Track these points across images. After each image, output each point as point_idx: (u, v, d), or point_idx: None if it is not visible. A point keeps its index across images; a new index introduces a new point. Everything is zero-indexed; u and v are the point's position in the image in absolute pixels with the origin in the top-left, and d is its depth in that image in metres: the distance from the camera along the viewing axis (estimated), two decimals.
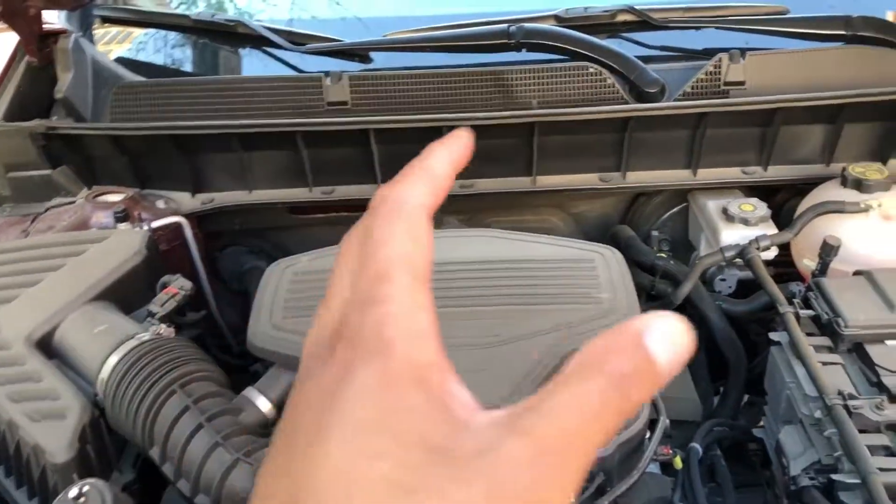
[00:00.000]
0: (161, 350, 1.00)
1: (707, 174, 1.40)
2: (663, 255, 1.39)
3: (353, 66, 1.48)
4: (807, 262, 1.29)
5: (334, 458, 0.28)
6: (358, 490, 0.28)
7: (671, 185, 1.39)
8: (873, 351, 1.07)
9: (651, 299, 1.40)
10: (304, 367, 0.34)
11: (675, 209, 1.50)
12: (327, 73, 1.34)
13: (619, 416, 0.29)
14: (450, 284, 1.03)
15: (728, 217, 1.31)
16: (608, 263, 1.08)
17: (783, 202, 1.50)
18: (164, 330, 1.06)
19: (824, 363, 1.08)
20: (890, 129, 1.37)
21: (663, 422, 1.04)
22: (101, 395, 0.97)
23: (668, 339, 0.30)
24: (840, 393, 0.99)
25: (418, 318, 0.32)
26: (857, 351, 1.09)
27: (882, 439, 0.95)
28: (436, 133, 1.31)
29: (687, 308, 1.34)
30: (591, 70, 1.31)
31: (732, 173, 1.39)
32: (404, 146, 1.35)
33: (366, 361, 0.30)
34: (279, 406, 1.00)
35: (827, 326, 1.11)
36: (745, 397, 1.31)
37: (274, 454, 0.32)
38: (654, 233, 1.48)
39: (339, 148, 1.37)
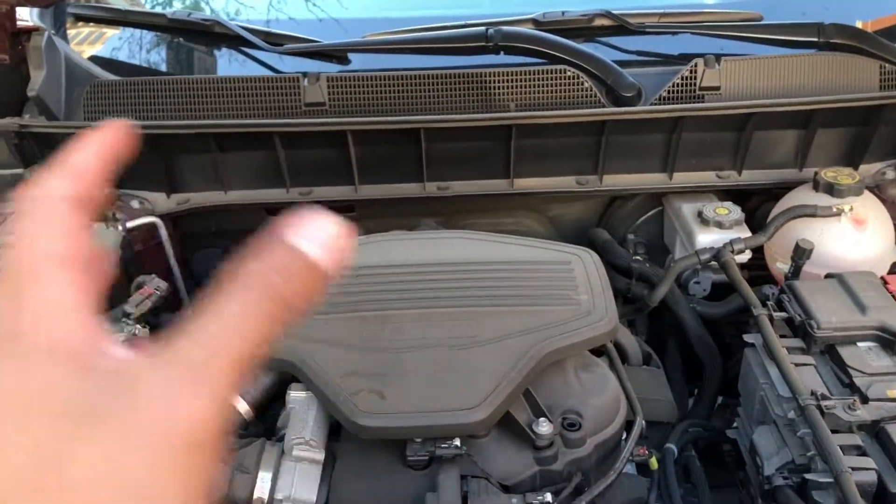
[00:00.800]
0: None
1: (682, 178, 1.41)
2: (639, 258, 1.40)
3: (332, 68, 1.47)
4: (780, 265, 1.30)
5: None
6: None
7: (647, 188, 1.40)
8: (845, 352, 1.09)
9: (627, 302, 1.41)
10: None
11: (650, 212, 1.51)
12: (305, 74, 1.34)
13: (279, 321, 0.31)
14: (426, 286, 1.03)
15: (703, 220, 1.33)
16: (585, 265, 1.09)
17: (757, 206, 1.52)
18: (139, 330, 1.05)
19: (797, 364, 1.09)
20: (861, 134, 1.40)
21: (640, 423, 1.05)
22: None
23: (323, 236, 0.32)
24: (813, 393, 1.00)
25: (56, 297, 0.32)
26: (830, 352, 1.11)
27: (854, 439, 0.96)
28: (413, 134, 1.32)
29: (663, 311, 1.36)
30: (568, 73, 1.32)
31: (707, 177, 1.41)
32: (382, 147, 1.36)
33: (7, 351, 0.30)
34: (257, 408, 1.00)
35: (800, 328, 1.13)
36: (720, 399, 1.32)
37: None
38: (630, 236, 1.49)
39: (317, 149, 1.36)
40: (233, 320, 0.31)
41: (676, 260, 1.30)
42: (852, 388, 1.04)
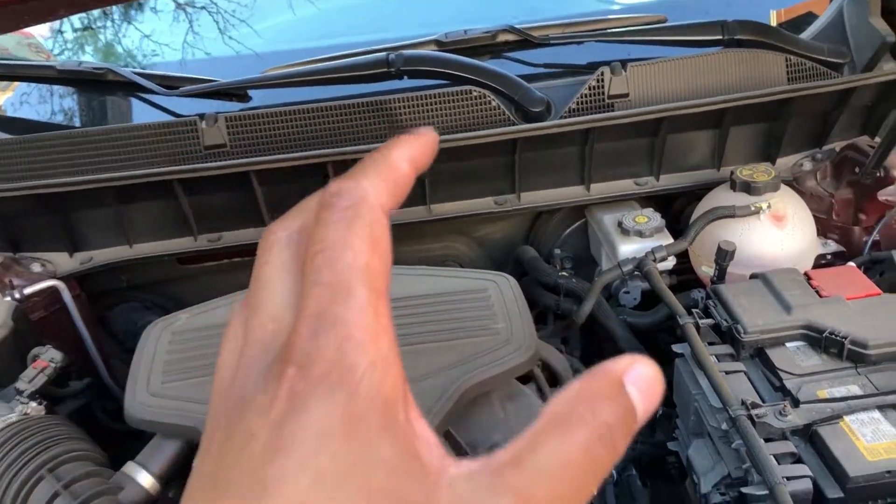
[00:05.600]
0: (27, 432, 0.92)
1: (601, 188, 1.38)
2: (565, 273, 1.36)
3: (234, 107, 1.42)
4: (705, 269, 1.28)
5: None
6: None
7: (566, 202, 1.37)
8: (774, 355, 1.07)
9: (558, 318, 1.38)
10: (217, 409, 0.29)
11: (575, 225, 1.49)
12: (202, 116, 1.28)
13: (605, 468, 0.28)
14: None
15: (623, 231, 1.30)
16: (502, 291, 1.05)
17: (682, 209, 1.51)
18: (33, 408, 0.98)
19: (728, 372, 1.06)
20: (774, 128, 1.39)
21: None
22: None
23: (646, 384, 0.29)
24: (743, 403, 0.97)
25: (382, 342, 0.28)
26: (759, 356, 1.08)
27: (788, 446, 0.93)
28: (320, 169, 1.27)
29: (594, 325, 1.33)
30: (474, 94, 1.29)
31: (625, 185, 1.38)
32: (289, 185, 1.30)
33: (324, 395, 0.26)
34: (164, 480, 0.93)
35: (727, 334, 1.11)
36: (661, 410, 1.29)
37: None
38: (557, 251, 1.46)
39: (222, 192, 1.30)
40: (563, 457, 0.27)
41: (601, 274, 1.27)
42: (784, 391, 1.02)
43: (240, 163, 1.25)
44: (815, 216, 1.34)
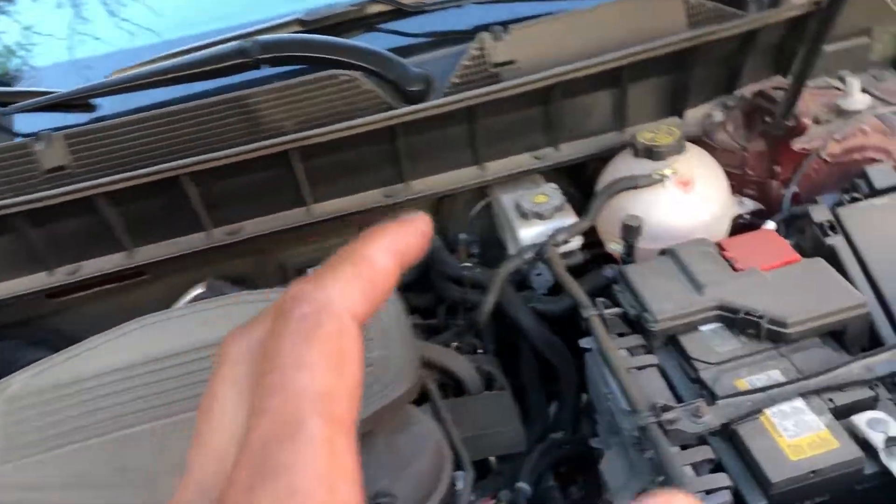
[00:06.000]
0: None
1: (498, 166, 1.26)
2: (469, 263, 1.25)
3: (81, 118, 1.26)
4: (614, 247, 1.17)
5: None
6: None
7: (461, 186, 1.25)
8: (688, 342, 0.97)
9: (469, 311, 1.27)
10: None
11: (479, 206, 1.36)
12: (37, 136, 1.13)
13: None
14: (175, 384, 0.85)
15: (522, 213, 1.19)
16: (379, 313, 0.93)
17: (595, 174, 1.39)
18: None
19: (640, 367, 0.96)
20: (678, 79, 1.27)
21: (467, 477, 0.91)
22: None
23: None
24: (653, 407, 0.87)
25: (338, 492, 0.23)
26: (673, 344, 0.98)
27: (706, 452, 0.84)
28: (173, 184, 1.13)
29: (504, 317, 1.22)
30: (342, 78, 1.15)
31: (524, 160, 1.26)
32: (148, 203, 1.17)
33: None
34: None
35: (637, 323, 1.00)
36: (584, 401, 1.19)
37: None
38: (462, 235, 1.34)
39: (73, 218, 1.16)
40: None
41: (500, 265, 1.15)
42: (701, 383, 0.92)
43: (85, 186, 1.10)
44: (728, 172, 1.24)
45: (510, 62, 1.19)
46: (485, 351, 1.24)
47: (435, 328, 1.25)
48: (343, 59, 1.18)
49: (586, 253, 1.25)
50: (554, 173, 1.32)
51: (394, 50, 1.27)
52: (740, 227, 1.22)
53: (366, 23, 1.28)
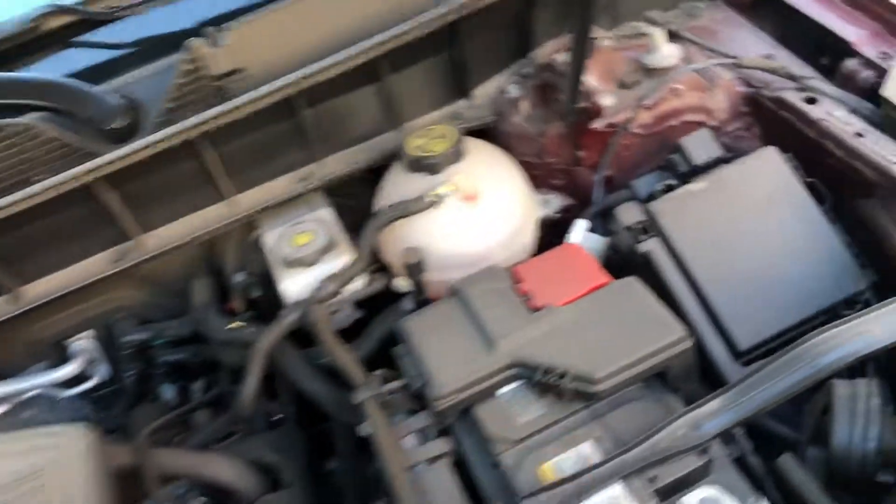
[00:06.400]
0: None
1: (253, 198, 1.02)
2: (236, 323, 1.02)
3: None
4: (402, 283, 0.96)
5: None
6: None
7: (206, 230, 1.01)
8: (484, 413, 0.79)
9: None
10: None
11: (250, 241, 1.11)
12: None
13: None
14: None
15: (284, 261, 0.95)
16: (69, 461, 0.70)
17: None
18: None
19: (431, 459, 0.77)
20: (455, 55, 1.05)
21: None
22: None
23: None
24: None
25: None
26: (466, 419, 0.79)
27: None
28: None
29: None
30: (11, 129, 0.87)
31: (284, 185, 1.03)
32: None
33: None
34: None
35: (422, 397, 0.80)
36: None
37: None
38: (238, 277, 1.10)
39: None
40: None
41: (256, 344, 0.91)
42: (503, 476, 0.73)
43: None
44: (528, 163, 1.04)
45: (235, 71, 0.93)
46: (282, 420, 1.03)
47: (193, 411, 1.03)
48: (20, 100, 0.90)
49: (384, 276, 1.03)
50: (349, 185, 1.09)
51: (99, 67, 1.00)
52: (552, 225, 1.02)
53: (44, 44, 0.99)
